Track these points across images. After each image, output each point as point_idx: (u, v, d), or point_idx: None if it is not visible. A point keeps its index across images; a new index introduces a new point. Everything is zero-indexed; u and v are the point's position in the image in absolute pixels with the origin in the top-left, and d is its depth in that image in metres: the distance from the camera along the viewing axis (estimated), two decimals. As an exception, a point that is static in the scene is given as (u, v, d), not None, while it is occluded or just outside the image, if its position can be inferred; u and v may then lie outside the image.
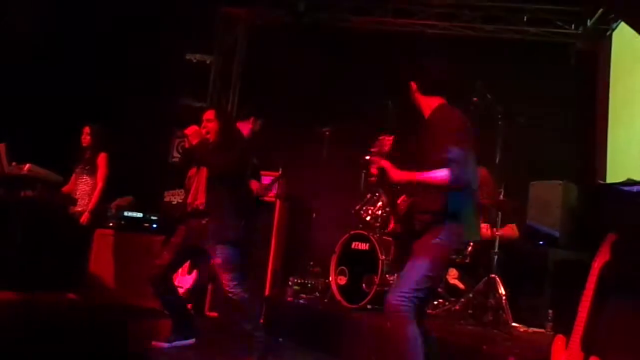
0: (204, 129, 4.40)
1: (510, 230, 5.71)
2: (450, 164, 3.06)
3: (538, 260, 5.52)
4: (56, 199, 5.66)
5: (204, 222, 4.35)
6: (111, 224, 6.38)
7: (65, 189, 5.86)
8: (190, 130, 4.36)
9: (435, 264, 3.18)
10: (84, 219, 5.67)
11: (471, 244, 5.33)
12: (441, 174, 3.08)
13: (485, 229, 5.42)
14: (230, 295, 4.23)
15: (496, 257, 5.13)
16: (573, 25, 7.32)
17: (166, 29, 7.53)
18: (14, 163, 5.34)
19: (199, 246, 4.39)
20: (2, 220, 5.16)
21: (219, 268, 4.25)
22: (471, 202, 3.23)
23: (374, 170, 3.27)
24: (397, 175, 3.21)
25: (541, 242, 5.78)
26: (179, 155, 4.47)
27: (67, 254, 5.56)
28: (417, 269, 3.18)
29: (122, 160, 5.91)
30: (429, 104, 3.34)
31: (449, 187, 3.12)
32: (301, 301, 5.76)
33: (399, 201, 3.56)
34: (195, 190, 4.44)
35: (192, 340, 4.60)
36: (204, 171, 4.43)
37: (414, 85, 3.36)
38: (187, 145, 4.41)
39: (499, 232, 5.25)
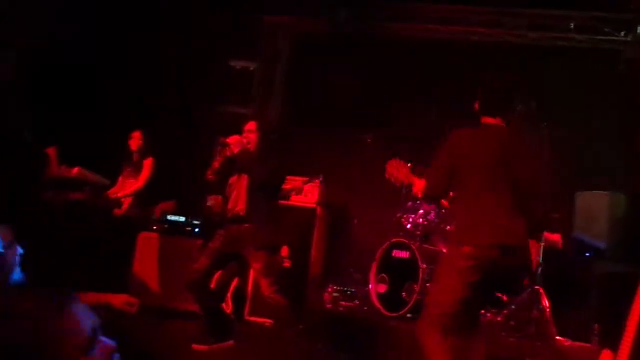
0: (245, 138, 4.49)
1: (552, 238, 5.59)
2: None
3: (583, 272, 5.40)
4: (103, 201, 5.80)
5: (244, 227, 4.41)
6: (155, 228, 6.48)
7: (112, 191, 6.01)
8: (232, 139, 4.45)
9: (445, 274, 3.22)
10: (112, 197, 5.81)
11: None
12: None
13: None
14: (269, 300, 4.27)
15: (540, 268, 5.04)
16: (622, 33, 7.13)
17: (210, 35, 7.63)
18: (63, 166, 5.50)
19: (238, 251, 4.44)
20: (51, 221, 5.30)
21: (259, 273, 4.30)
22: (476, 206, 3.23)
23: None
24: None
25: (587, 254, 5.65)
26: (219, 163, 4.56)
27: (112, 256, 5.68)
28: (433, 282, 3.37)
29: (166, 165, 6.03)
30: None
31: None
32: (340, 308, 5.76)
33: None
34: (236, 197, 4.52)
35: (230, 343, 4.63)
36: (244, 179, 4.50)
37: (475, 106, 3.46)
38: (228, 154, 4.48)
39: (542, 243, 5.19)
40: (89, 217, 5.54)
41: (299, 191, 5.97)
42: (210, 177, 4.67)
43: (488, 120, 3.41)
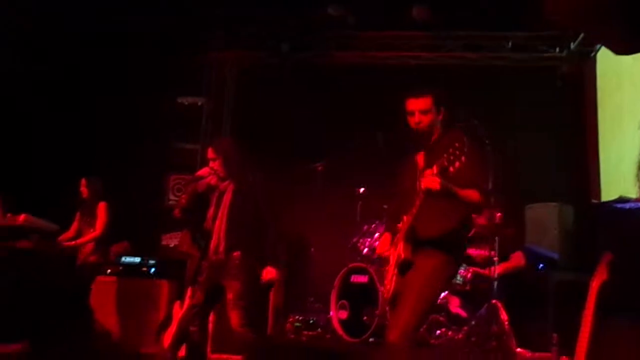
0: (212, 167, 4.36)
1: (519, 258, 5.70)
2: None
3: (539, 284, 5.50)
4: (53, 248, 5.66)
5: (231, 255, 4.19)
6: (109, 271, 6.34)
7: (63, 237, 5.88)
8: (204, 171, 4.33)
9: (430, 282, 3.40)
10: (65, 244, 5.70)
11: (470, 270, 5.34)
12: None
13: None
14: (238, 334, 4.12)
15: (496, 282, 5.12)
16: (557, 49, 7.41)
17: (157, 74, 7.62)
18: (9, 214, 5.35)
19: (219, 282, 4.25)
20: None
21: (230, 304, 4.14)
22: None
23: None
24: None
25: (541, 265, 5.77)
26: (186, 199, 4.29)
27: (68, 303, 5.53)
28: (412, 294, 3.40)
29: (117, 205, 5.93)
30: None
31: None
32: (303, 338, 5.72)
33: None
34: (217, 239, 4.30)
35: None
36: (223, 216, 4.28)
37: None
38: (200, 189, 4.33)
39: (505, 265, 5.32)
40: (40, 265, 5.39)
41: None
42: (177, 214, 4.53)
43: None
